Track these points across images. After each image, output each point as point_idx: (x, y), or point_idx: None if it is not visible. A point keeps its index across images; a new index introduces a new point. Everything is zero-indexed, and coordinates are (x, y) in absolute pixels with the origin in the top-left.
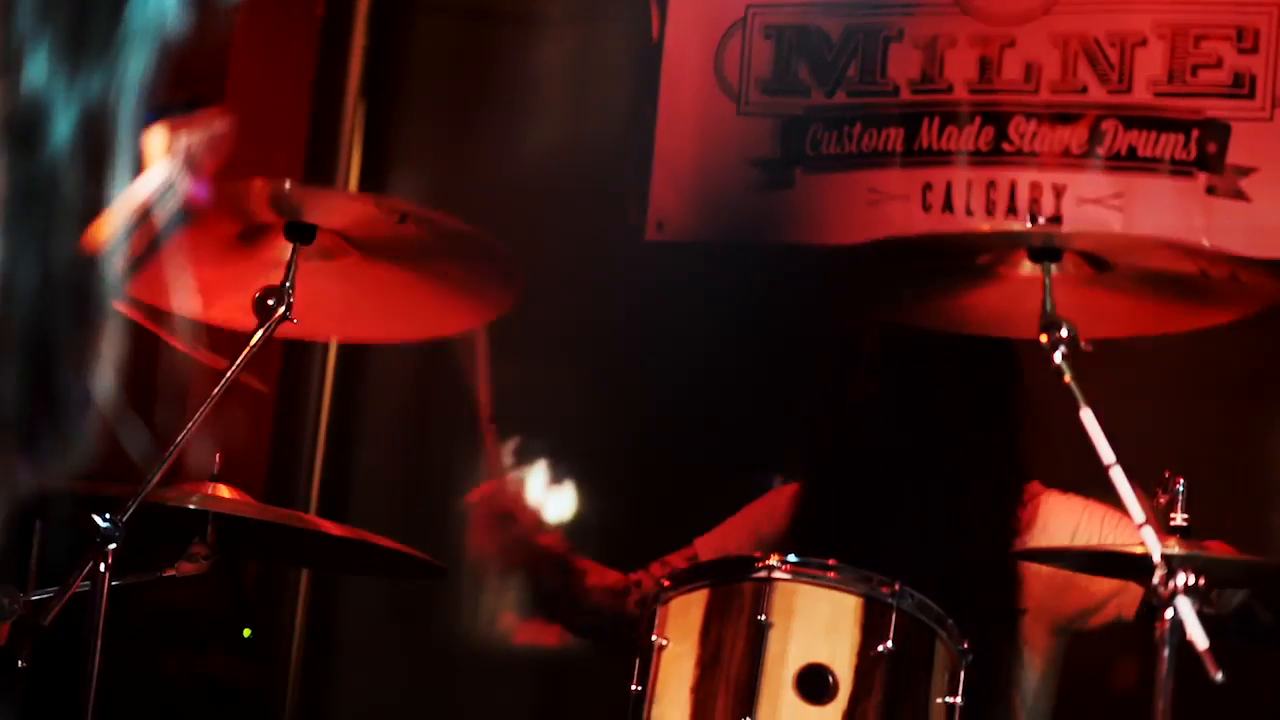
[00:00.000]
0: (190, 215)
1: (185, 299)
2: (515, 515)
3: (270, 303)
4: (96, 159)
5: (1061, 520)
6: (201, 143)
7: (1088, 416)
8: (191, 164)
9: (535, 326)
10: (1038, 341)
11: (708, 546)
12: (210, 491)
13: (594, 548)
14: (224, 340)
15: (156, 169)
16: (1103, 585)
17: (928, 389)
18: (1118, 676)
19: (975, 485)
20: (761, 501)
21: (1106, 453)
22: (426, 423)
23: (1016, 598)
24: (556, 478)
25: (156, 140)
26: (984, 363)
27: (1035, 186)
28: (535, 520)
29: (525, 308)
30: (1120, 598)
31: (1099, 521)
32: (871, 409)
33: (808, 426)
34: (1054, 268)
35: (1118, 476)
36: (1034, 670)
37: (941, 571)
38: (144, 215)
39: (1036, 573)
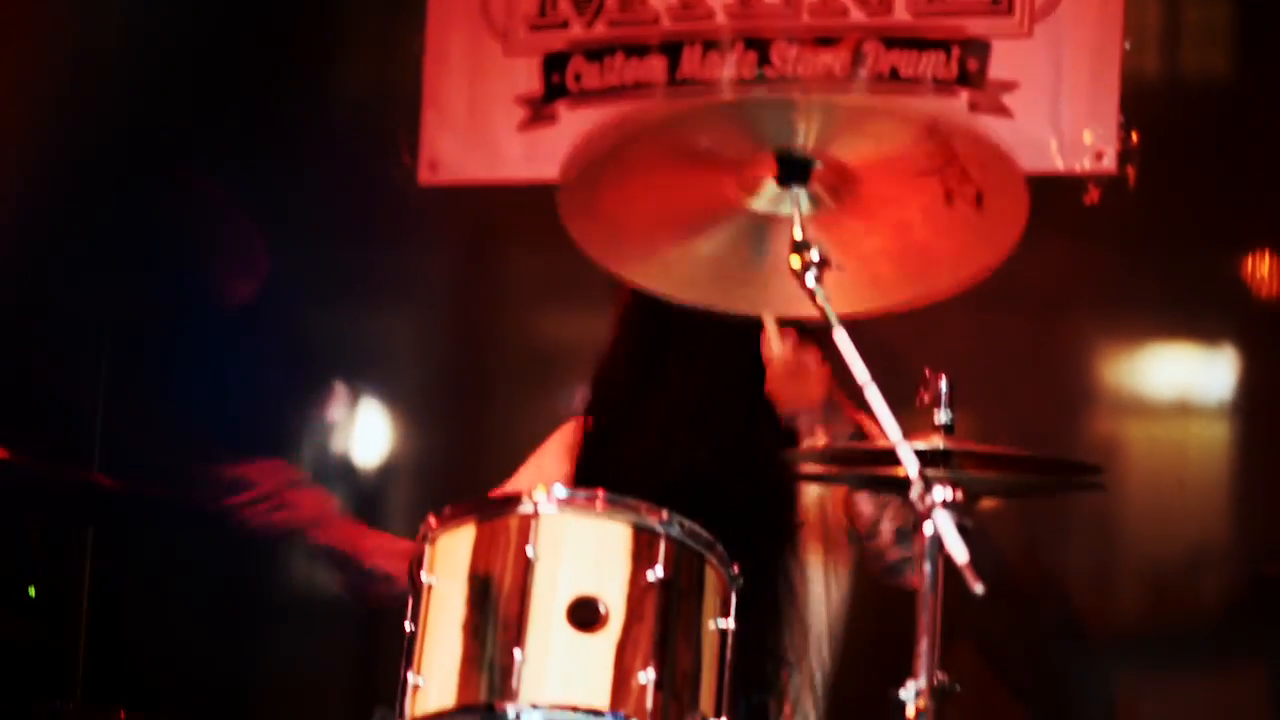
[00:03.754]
0: None
1: None
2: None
3: None
4: None
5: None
6: None
7: (841, 337)
8: None
9: (327, 274)
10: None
11: None
12: None
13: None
14: None
15: None
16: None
17: (692, 322)
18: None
19: (733, 406)
20: (548, 443)
21: (861, 372)
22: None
23: (795, 512)
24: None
25: None
26: None
27: None
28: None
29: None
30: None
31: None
32: (644, 346)
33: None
34: (803, 194)
35: (873, 395)
36: (824, 576)
37: (717, 494)
38: None
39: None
